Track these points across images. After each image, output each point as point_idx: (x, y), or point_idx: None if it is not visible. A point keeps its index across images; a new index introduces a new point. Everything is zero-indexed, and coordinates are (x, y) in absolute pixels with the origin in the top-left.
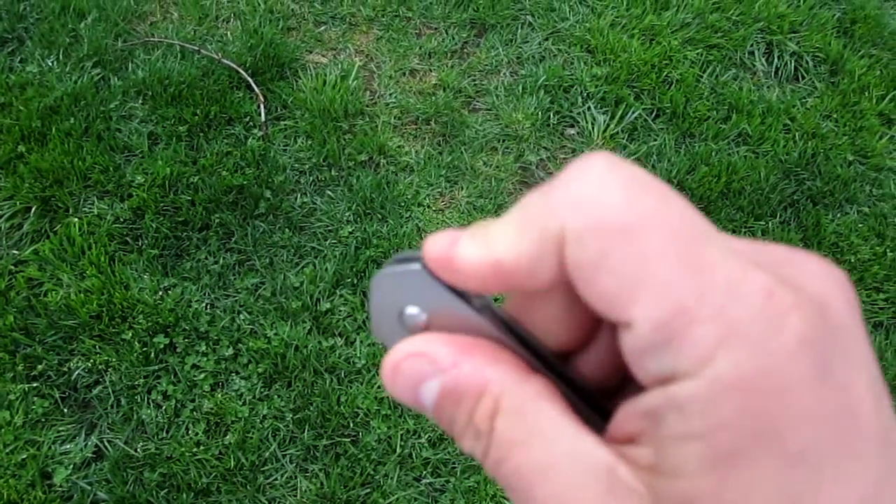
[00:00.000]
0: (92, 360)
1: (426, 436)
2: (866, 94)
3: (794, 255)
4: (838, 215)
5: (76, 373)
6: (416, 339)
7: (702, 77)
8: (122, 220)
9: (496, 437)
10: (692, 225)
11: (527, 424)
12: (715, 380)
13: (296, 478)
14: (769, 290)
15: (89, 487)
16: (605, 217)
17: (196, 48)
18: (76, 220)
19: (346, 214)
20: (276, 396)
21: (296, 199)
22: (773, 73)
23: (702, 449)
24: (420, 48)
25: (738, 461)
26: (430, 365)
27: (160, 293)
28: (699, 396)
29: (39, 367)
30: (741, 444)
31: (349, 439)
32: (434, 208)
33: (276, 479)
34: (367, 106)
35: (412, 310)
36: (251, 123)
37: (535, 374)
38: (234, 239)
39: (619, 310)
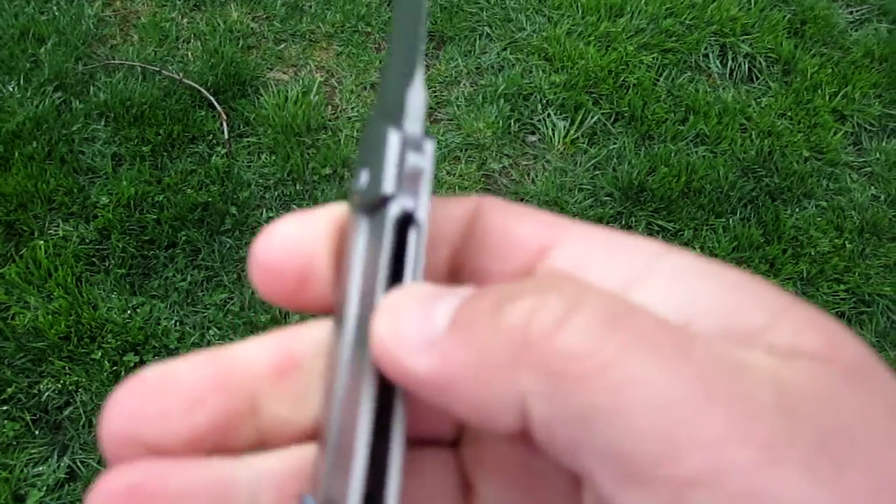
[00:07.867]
0: (62, 382)
1: None
2: (819, 91)
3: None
4: (797, 210)
5: (46, 394)
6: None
7: (658, 80)
8: (87, 241)
9: None
10: None
11: None
12: None
13: None
14: None
15: None
16: None
17: (157, 69)
18: (42, 242)
19: None
20: None
21: (261, 214)
22: (727, 75)
23: None
24: (380, 62)
25: None
26: None
27: (129, 312)
28: None
29: (9, 390)
30: None
31: None
32: None
33: None
34: (330, 120)
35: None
36: (214, 141)
37: None
38: (201, 256)
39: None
